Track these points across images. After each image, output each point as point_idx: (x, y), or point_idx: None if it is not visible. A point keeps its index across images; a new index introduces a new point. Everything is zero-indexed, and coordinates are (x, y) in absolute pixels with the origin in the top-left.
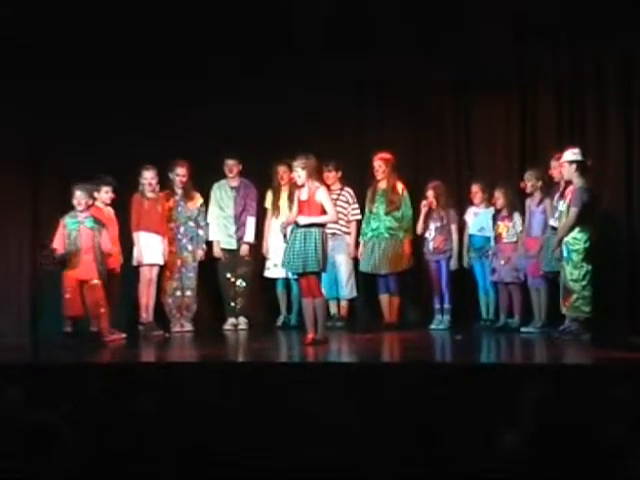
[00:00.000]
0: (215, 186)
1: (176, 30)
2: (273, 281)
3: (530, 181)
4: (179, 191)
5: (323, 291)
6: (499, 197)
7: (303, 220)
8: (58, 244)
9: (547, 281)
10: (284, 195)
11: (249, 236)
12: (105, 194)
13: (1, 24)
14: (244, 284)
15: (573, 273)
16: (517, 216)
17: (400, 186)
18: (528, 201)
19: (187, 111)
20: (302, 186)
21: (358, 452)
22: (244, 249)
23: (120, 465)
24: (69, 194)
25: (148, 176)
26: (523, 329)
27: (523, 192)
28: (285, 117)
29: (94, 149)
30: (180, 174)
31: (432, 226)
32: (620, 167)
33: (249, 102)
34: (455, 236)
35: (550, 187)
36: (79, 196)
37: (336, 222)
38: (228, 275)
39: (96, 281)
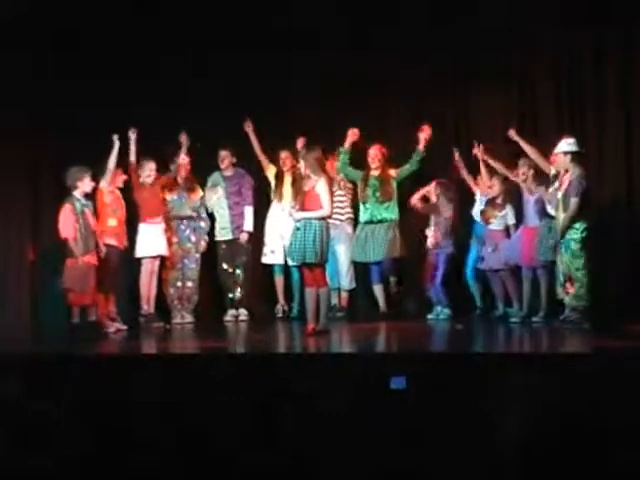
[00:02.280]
0: (209, 179)
1: (177, 26)
2: (271, 267)
3: (522, 169)
4: (181, 181)
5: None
6: (495, 184)
7: (297, 215)
8: (68, 231)
9: (545, 270)
10: (287, 180)
11: (248, 225)
12: (119, 177)
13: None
14: (243, 274)
15: (574, 262)
16: (510, 208)
17: (393, 176)
18: (522, 188)
19: (186, 105)
20: (306, 177)
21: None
22: (243, 237)
23: (118, 456)
24: (74, 180)
25: (152, 167)
26: (513, 318)
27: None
28: (287, 109)
29: (93, 147)
30: (183, 163)
31: (432, 221)
32: (620, 156)
33: (251, 100)
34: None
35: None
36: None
37: (330, 216)
38: (225, 266)
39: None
